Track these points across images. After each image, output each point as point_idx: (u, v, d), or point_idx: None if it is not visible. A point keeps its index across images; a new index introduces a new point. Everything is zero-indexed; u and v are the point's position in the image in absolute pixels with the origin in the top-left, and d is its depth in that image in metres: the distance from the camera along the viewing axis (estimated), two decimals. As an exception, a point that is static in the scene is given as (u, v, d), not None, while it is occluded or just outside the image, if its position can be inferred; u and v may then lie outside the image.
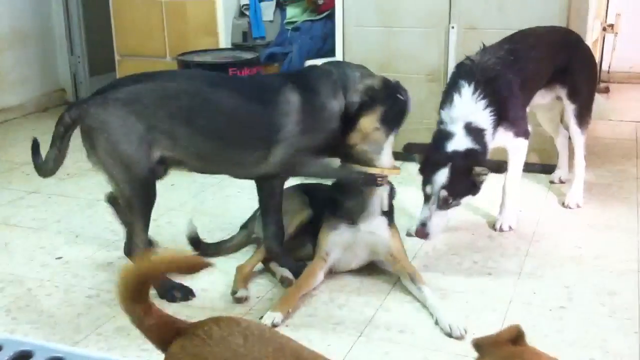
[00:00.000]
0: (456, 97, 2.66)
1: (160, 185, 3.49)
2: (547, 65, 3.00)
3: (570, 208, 3.12)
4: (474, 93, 2.63)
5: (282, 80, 2.42)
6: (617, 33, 5.25)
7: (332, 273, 2.50)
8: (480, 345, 1.09)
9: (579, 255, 2.67)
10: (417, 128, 3.03)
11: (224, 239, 2.77)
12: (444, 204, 2.52)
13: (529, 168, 3.41)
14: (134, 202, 2.34)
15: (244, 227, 2.78)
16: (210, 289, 2.43)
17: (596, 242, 2.79)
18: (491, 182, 2.64)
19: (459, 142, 2.57)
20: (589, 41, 4.17)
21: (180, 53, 3.79)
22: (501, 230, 2.89)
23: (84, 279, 2.55)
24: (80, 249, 2.81)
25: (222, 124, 2.33)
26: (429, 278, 2.47)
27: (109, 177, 2.34)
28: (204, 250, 2.66)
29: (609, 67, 5.47)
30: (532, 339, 1.10)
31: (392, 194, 2.49)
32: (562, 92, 3.07)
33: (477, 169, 2.51)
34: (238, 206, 3.22)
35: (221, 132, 2.33)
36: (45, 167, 2.42)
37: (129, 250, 2.43)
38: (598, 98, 3.63)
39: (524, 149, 2.88)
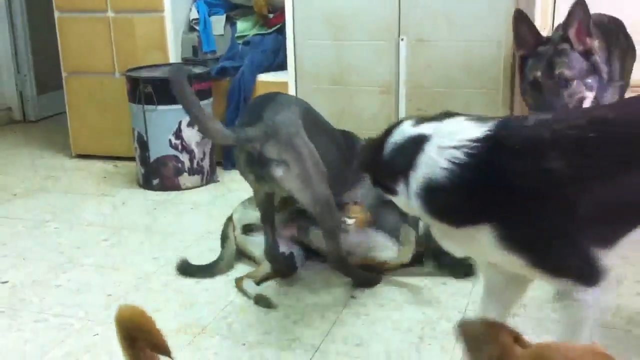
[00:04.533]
0: None
1: (110, 204, 3.46)
2: None
3: None
4: None
5: None
6: (563, 43, 5.36)
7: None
8: None
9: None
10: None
11: (214, 260, 2.68)
12: None
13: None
14: (333, 200, 2.31)
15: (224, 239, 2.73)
16: (164, 309, 2.38)
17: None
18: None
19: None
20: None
21: (129, 69, 3.74)
22: None
23: (31, 303, 2.47)
24: (27, 272, 2.72)
25: (330, 148, 2.44)
26: (383, 290, 2.48)
27: (310, 189, 2.24)
28: (195, 274, 2.60)
29: (557, 77, 5.58)
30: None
31: None
32: None
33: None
34: (191, 223, 3.18)
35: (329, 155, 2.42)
36: None
37: (335, 258, 2.42)
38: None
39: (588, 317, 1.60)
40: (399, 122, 1.71)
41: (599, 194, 1.53)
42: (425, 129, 1.61)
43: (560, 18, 5.41)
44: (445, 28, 3.48)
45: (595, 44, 2.23)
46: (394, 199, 1.68)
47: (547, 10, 5.07)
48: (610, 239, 1.59)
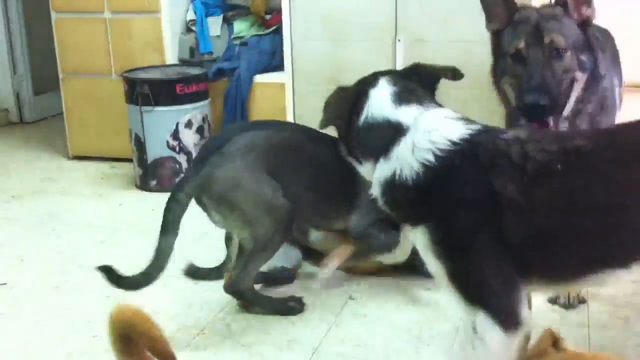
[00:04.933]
0: None
1: (107, 205, 3.46)
2: None
3: None
4: None
5: None
6: (559, 43, 5.38)
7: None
8: None
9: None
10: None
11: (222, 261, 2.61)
12: None
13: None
14: (272, 245, 2.31)
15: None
16: (163, 310, 2.38)
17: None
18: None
19: None
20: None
21: (126, 70, 3.74)
22: None
23: (30, 304, 2.48)
24: (26, 273, 2.73)
25: (319, 177, 2.40)
26: (380, 292, 2.49)
27: (251, 228, 2.27)
28: (205, 277, 2.58)
29: (553, 76, 5.60)
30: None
31: None
32: None
33: None
34: (188, 224, 3.17)
35: (318, 185, 2.41)
36: (157, 267, 2.22)
37: (237, 287, 2.34)
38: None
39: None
40: (374, 79, 1.65)
41: (550, 230, 1.42)
42: (405, 116, 1.55)
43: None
44: (442, 28, 3.49)
45: (594, 13, 1.84)
46: (356, 166, 1.67)
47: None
48: (563, 276, 1.49)
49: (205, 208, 2.32)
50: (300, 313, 2.36)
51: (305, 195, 2.37)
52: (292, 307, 2.37)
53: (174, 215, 2.22)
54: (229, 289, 2.36)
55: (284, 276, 2.61)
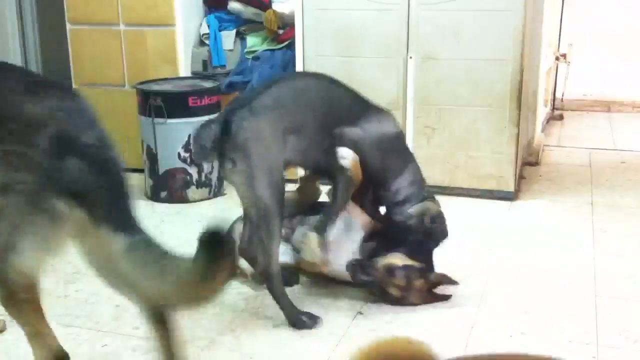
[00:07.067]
0: None
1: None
2: None
3: None
4: None
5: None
6: (569, 62, 5.40)
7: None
8: None
9: (539, 280, 2.70)
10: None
11: None
12: None
13: (486, 195, 3.48)
14: (273, 211, 2.32)
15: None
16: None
17: (555, 267, 2.83)
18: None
19: None
20: (542, 70, 4.25)
21: (139, 82, 3.77)
22: None
23: (40, 313, 2.49)
24: (36, 282, 2.74)
25: (332, 119, 2.49)
26: (389, 307, 2.49)
27: (250, 189, 2.33)
28: None
29: (563, 95, 5.62)
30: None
31: None
32: None
33: None
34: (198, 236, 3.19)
35: (328, 127, 2.48)
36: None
37: (266, 271, 2.38)
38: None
39: None
40: None
41: None
42: None
43: (566, 36, 5.43)
44: (453, 46, 3.51)
45: None
46: None
47: (554, 29, 5.09)
48: None
49: (221, 157, 2.37)
50: (312, 329, 2.36)
51: (317, 136, 2.46)
52: (303, 322, 2.37)
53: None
54: (261, 275, 2.45)
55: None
